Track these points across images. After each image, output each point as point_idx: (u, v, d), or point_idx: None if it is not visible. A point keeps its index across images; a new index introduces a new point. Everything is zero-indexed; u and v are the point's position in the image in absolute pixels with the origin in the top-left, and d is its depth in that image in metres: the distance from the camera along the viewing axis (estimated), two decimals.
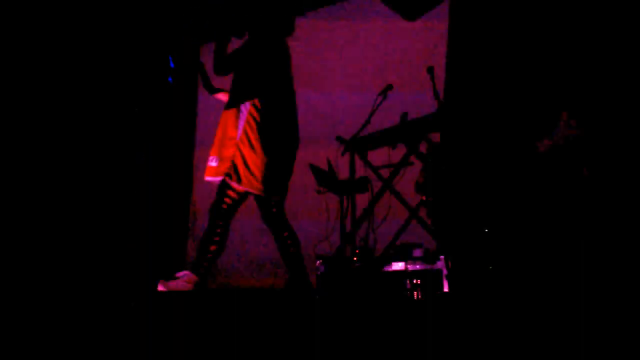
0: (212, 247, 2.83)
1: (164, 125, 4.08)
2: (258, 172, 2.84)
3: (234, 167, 2.83)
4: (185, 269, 2.89)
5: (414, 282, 2.55)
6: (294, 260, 2.99)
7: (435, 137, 3.98)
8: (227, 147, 2.87)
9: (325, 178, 3.87)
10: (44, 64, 2.83)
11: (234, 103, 2.92)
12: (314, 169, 3.96)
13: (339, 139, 3.64)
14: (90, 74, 3.28)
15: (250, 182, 2.83)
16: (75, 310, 1.78)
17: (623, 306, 1.56)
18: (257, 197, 2.96)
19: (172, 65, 3.01)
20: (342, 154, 3.58)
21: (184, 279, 2.76)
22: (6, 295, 1.82)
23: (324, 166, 3.90)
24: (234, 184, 2.82)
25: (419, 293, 2.51)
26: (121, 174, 2.24)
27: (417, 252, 3.23)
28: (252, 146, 2.86)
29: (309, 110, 4.88)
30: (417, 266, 3.10)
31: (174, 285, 2.72)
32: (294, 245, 3.01)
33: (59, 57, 2.88)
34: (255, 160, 2.84)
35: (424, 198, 3.76)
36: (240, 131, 2.87)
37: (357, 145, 3.68)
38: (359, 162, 3.61)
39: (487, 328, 1.61)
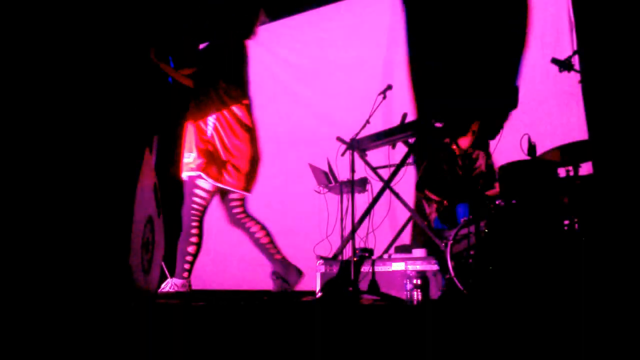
0: (191, 249, 2.84)
1: (163, 125, 4.08)
2: (230, 169, 2.86)
3: (209, 163, 2.84)
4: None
5: (414, 282, 2.54)
6: (270, 250, 3.00)
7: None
8: (201, 144, 2.87)
9: (324, 178, 3.86)
10: (42, 64, 2.82)
11: (200, 116, 2.92)
12: (314, 169, 3.96)
13: (339, 139, 3.63)
14: (89, 74, 3.26)
15: (222, 179, 2.85)
16: (74, 311, 1.78)
17: (624, 307, 1.55)
18: (223, 195, 2.97)
19: (172, 65, 3.01)
20: (342, 154, 3.58)
21: (171, 288, 2.77)
22: (4, 297, 1.82)
23: (324, 166, 3.90)
24: (208, 181, 2.82)
25: (419, 294, 2.50)
26: (119, 173, 2.23)
27: (417, 252, 3.23)
28: (225, 143, 2.87)
29: (309, 110, 4.89)
30: (417, 266, 3.10)
31: (163, 294, 2.73)
32: (267, 235, 3.02)
33: (58, 57, 2.87)
34: (228, 157, 2.86)
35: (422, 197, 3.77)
36: (212, 128, 2.88)
37: (357, 145, 3.68)
38: (359, 162, 3.60)
39: (488, 330, 1.61)
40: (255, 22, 3.08)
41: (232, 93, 2.93)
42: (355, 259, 3.17)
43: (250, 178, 2.95)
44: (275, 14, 5.12)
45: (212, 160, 2.84)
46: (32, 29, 2.78)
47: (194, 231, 2.84)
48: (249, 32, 3.07)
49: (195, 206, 2.84)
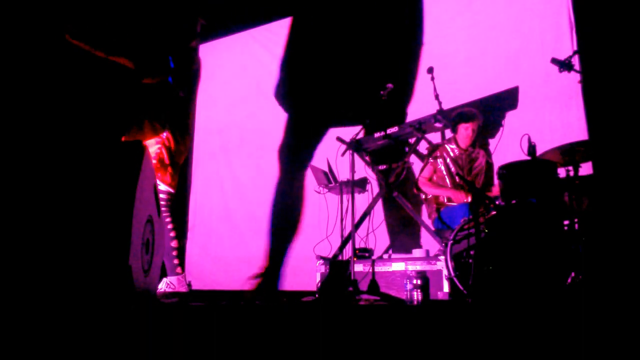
0: (174, 244, 2.85)
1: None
2: (176, 169, 2.89)
3: (161, 164, 2.84)
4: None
5: (414, 282, 2.54)
6: (174, 259, 3.05)
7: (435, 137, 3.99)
8: (152, 145, 2.87)
9: (324, 178, 3.87)
10: (43, 66, 2.82)
11: (160, 129, 2.93)
12: (314, 169, 3.97)
13: (339, 139, 3.63)
14: (88, 73, 3.26)
15: (172, 179, 2.87)
16: (74, 312, 1.78)
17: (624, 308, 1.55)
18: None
19: (172, 65, 3.00)
20: (342, 154, 3.58)
21: (167, 287, 2.78)
22: (4, 299, 1.82)
23: (324, 166, 3.90)
24: (161, 182, 2.83)
25: (419, 294, 2.50)
26: (119, 173, 2.23)
27: (417, 252, 3.23)
28: (177, 143, 2.89)
29: (309, 110, 4.88)
30: (417, 266, 3.10)
31: (161, 294, 2.74)
32: (178, 242, 3.10)
33: (56, 58, 2.87)
34: (174, 158, 2.89)
35: (422, 197, 3.77)
36: (167, 130, 2.89)
37: (357, 145, 3.68)
38: (359, 162, 3.60)
39: (488, 330, 1.61)
40: (195, 29, 3.07)
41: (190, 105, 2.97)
42: (355, 259, 3.17)
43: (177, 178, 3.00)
44: (271, 16, 5.16)
45: (162, 163, 2.85)
46: (30, 27, 2.78)
47: (169, 226, 2.85)
48: (193, 34, 3.06)
49: (162, 202, 2.86)
